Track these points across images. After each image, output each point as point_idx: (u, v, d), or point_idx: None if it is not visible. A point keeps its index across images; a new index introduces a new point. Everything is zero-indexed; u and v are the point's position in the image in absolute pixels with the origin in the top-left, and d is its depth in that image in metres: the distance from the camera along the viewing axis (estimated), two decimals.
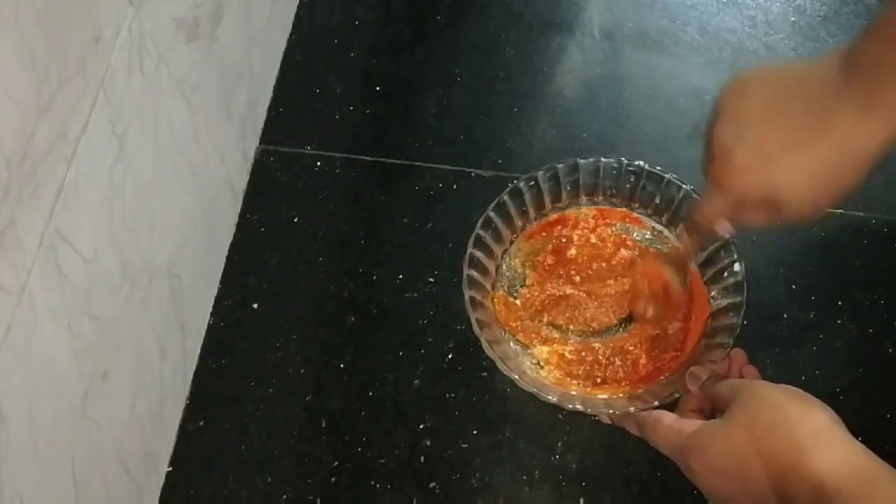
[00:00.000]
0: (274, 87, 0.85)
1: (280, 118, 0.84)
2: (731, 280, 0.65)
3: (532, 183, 0.69)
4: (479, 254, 0.67)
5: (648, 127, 0.82)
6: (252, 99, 0.80)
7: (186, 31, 0.63)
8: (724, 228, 0.57)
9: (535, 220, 0.71)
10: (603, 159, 0.69)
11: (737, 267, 0.65)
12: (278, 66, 0.86)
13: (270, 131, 0.83)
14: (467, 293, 0.64)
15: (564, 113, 0.84)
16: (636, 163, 0.68)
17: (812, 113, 0.48)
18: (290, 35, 0.88)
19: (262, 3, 0.80)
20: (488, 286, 0.69)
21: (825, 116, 0.48)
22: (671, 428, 0.55)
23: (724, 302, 0.65)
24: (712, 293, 0.66)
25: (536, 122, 0.83)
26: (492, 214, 0.68)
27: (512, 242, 0.71)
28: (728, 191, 0.52)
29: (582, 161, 0.69)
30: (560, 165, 0.69)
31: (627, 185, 0.70)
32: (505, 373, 0.62)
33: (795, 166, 0.49)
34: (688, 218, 0.63)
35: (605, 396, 0.66)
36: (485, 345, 0.63)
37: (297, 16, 0.89)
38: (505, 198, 0.69)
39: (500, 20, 0.89)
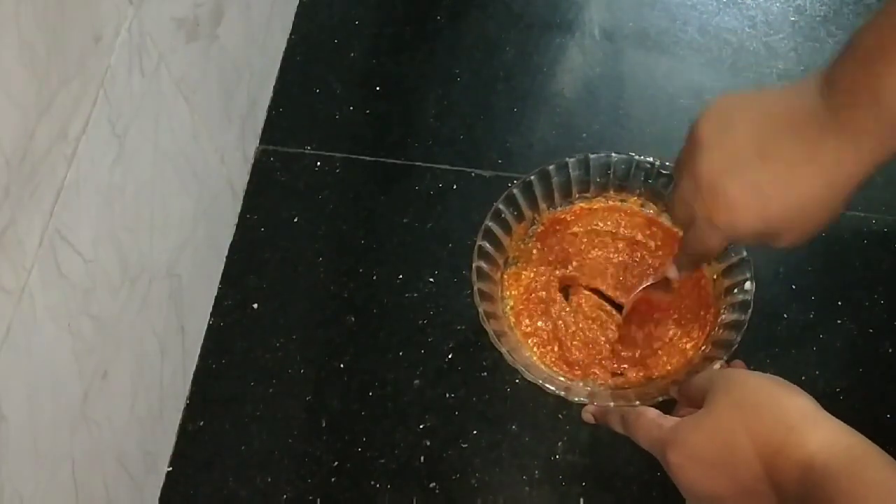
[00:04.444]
0: (274, 87, 0.85)
1: (280, 118, 0.84)
2: (740, 297, 0.65)
3: (563, 168, 0.69)
4: (495, 227, 0.67)
5: (649, 127, 0.82)
6: (252, 99, 0.80)
7: (186, 31, 0.63)
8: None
9: (561, 206, 0.71)
10: (636, 157, 0.69)
11: (748, 286, 0.64)
12: (278, 66, 0.86)
13: (270, 131, 0.83)
14: (475, 263, 0.64)
15: (564, 113, 0.84)
16: (668, 164, 0.68)
17: (799, 145, 0.47)
18: (290, 35, 0.88)
19: (262, 3, 0.80)
20: (500, 262, 0.69)
21: (812, 149, 0.47)
22: (652, 422, 0.55)
23: (729, 318, 0.65)
24: (722, 307, 0.66)
25: (536, 122, 0.83)
26: (516, 191, 0.68)
27: (533, 223, 0.71)
28: (720, 226, 0.51)
29: (615, 155, 0.69)
30: (593, 157, 0.69)
31: (658, 186, 0.70)
32: (496, 346, 0.62)
33: (788, 201, 0.49)
34: (679, 253, 0.61)
35: (589, 388, 0.66)
36: (482, 316, 0.63)
37: (297, 16, 0.89)
38: (532, 177, 0.69)
39: (500, 20, 0.89)
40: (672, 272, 0.62)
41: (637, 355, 0.67)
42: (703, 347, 0.66)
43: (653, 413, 0.56)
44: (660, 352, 0.67)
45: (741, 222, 0.50)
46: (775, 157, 0.48)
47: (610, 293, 0.70)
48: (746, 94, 0.51)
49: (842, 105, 0.46)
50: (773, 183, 0.48)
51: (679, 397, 0.60)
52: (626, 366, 0.67)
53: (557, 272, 0.71)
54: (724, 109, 0.51)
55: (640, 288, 0.66)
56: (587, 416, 0.64)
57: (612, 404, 0.62)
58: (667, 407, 0.59)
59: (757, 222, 0.50)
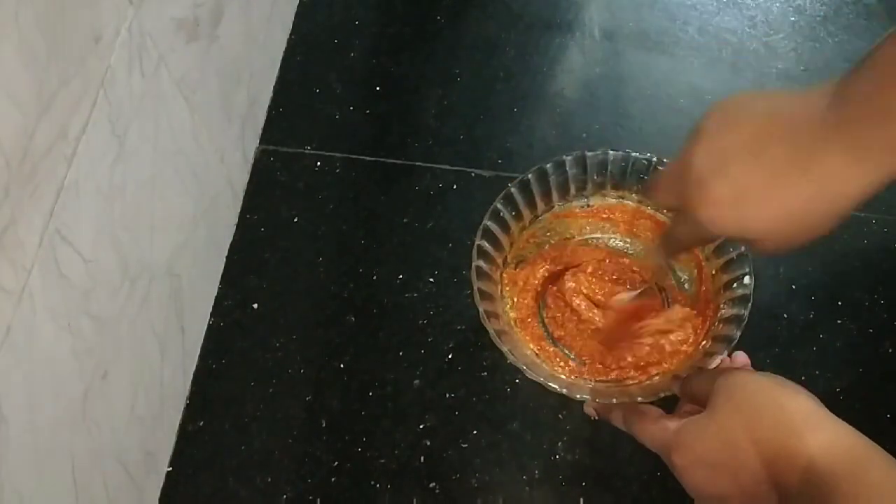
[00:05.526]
0: (274, 87, 0.85)
1: (280, 118, 0.84)
2: (740, 292, 0.65)
3: (560, 167, 0.69)
4: (494, 226, 0.67)
5: (648, 127, 0.82)
6: (252, 99, 0.80)
7: (186, 31, 0.63)
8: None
9: (559, 203, 0.71)
10: (634, 154, 0.69)
11: (746, 280, 0.64)
12: (278, 66, 0.86)
13: (270, 131, 0.83)
14: (475, 262, 0.65)
15: (564, 113, 0.84)
16: (665, 160, 0.68)
17: (795, 152, 0.46)
18: (290, 35, 0.88)
19: (262, 3, 0.80)
20: (500, 261, 0.69)
21: (809, 158, 0.45)
22: (656, 422, 0.55)
23: (729, 313, 0.65)
24: (721, 302, 0.66)
25: (536, 122, 0.83)
26: (514, 190, 0.68)
27: (532, 222, 0.71)
28: (700, 222, 0.50)
29: (612, 153, 0.69)
30: (590, 154, 0.69)
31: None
32: (497, 345, 0.62)
33: (771, 208, 0.47)
34: (663, 237, 0.60)
35: (591, 385, 0.66)
36: (482, 316, 0.63)
37: (297, 16, 0.89)
38: (530, 176, 0.69)
39: (500, 20, 0.89)
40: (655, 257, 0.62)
41: (618, 360, 0.68)
42: (703, 343, 0.66)
43: (656, 413, 0.57)
44: (662, 341, 0.68)
45: (719, 221, 0.49)
46: (768, 162, 0.46)
47: (607, 290, 0.70)
48: (758, 94, 0.50)
49: (849, 118, 0.44)
50: (760, 187, 0.47)
51: (681, 395, 0.60)
52: (629, 370, 0.67)
53: (557, 270, 0.71)
54: (731, 106, 0.49)
55: (627, 297, 0.68)
56: (589, 410, 0.64)
57: (614, 401, 0.62)
58: (668, 403, 0.59)
59: (735, 224, 0.48)
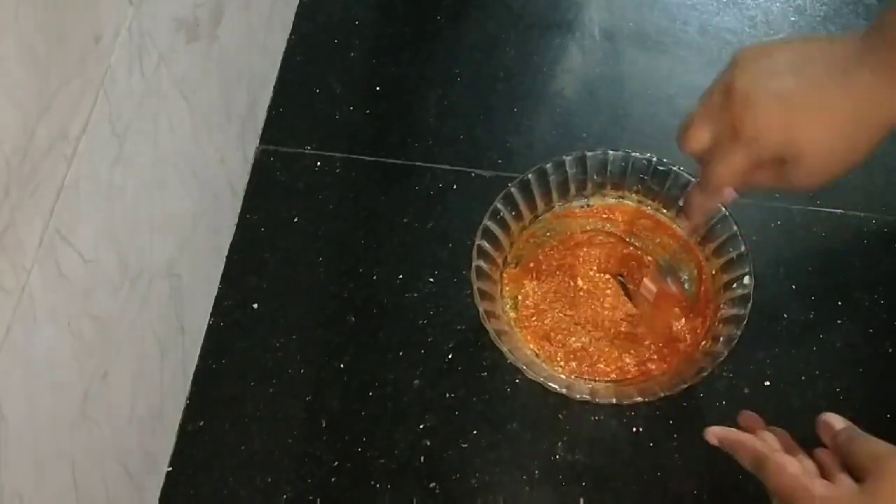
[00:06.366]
0: (274, 87, 0.85)
1: (280, 118, 0.84)
2: (740, 292, 0.65)
3: (560, 166, 0.69)
4: (493, 226, 0.67)
5: (648, 127, 0.82)
6: (252, 99, 0.80)
7: (186, 31, 0.63)
8: (728, 195, 0.56)
9: (559, 203, 0.71)
10: (634, 154, 0.69)
11: (747, 280, 0.65)
12: (278, 66, 0.86)
13: (270, 131, 0.83)
14: (475, 262, 0.65)
15: (564, 113, 0.84)
16: (664, 160, 0.68)
17: (835, 73, 0.48)
18: (290, 35, 0.88)
19: (262, 3, 0.80)
20: (500, 261, 0.69)
21: (845, 77, 0.47)
22: (797, 481, 0.50)
23: (729, 312, 0.65)
24: (721, 302, 0.66)
25: (536, 122, 0.83)
26: (514, 190, 0.68)
27: (532, 222, 0.71)
28: (747, 136, 0.50)
29: (612, 153, 0.69)
30: (589, 154, 0.69)
31: (654, 184, 0.70)
32: (497, 345, 0.63)
33: (817, 121, 0.48)
34: (698, 186, 0.59)
35: (591, 385, 0.66)
36: (482, 316, 0.63)
37: (297, 16, 0.89)
38: (530, 176, 0.69)
39: (500, 20, 0.89)
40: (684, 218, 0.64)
41: (657, 345, 0.68)
42: (703, 342, 0.66)
43: (795, 468, 0.51)
44: (660, 344, 0.68)
45: (766, 132, 0.49)
46: (809, 77, 0.48)
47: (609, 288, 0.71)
48: (787, 37, 0.52)
49: (881, 44, 0.46)
50: (805, 100, 0.48)
51: (829, 445, 0.53)
52: (629, 362, 0.68)
53: (557, 270, 0.71)
54: (764, 43, 0.51)
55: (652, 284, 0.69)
56: (711, 437, 0.57)
57: (614, 401, 0.61)
58: (668, 404, 0.59)
59: (781, 133, 0.49)
